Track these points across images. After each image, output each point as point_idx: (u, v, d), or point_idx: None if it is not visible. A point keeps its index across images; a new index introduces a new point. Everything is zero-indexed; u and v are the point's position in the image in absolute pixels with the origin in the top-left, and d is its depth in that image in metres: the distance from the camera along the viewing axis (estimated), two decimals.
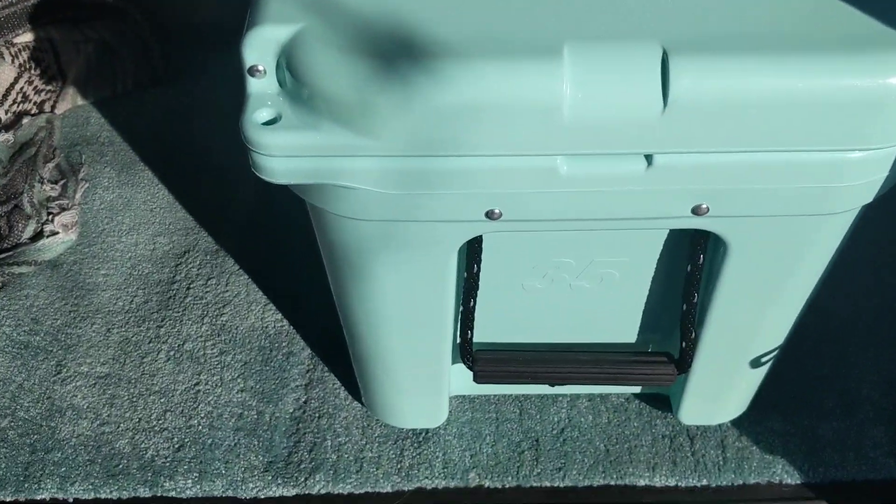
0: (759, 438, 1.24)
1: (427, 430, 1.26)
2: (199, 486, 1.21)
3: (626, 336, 1.13)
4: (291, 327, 1.38)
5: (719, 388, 1.18)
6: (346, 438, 1.25)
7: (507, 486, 1.21)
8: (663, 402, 1.28)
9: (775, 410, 1.27)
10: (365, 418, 1.27)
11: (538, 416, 1.27)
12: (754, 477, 1.21)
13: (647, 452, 1.23)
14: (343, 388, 1.31)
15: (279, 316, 1.40)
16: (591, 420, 1.27)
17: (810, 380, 1.30)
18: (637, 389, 1.27)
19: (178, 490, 1.21)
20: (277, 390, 1.30)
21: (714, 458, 1.22)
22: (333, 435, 1.25)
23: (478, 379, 1.10)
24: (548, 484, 1.21)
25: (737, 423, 1.26)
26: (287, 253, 1.49)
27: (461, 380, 1.22)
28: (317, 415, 1.28)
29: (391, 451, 1.24)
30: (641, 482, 1.21)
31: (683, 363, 1.05)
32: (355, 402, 1.29)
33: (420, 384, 1.17)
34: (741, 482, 1.21)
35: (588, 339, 1.13)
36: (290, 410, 1.28)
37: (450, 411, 1.26)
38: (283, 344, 1.36)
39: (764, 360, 1.15)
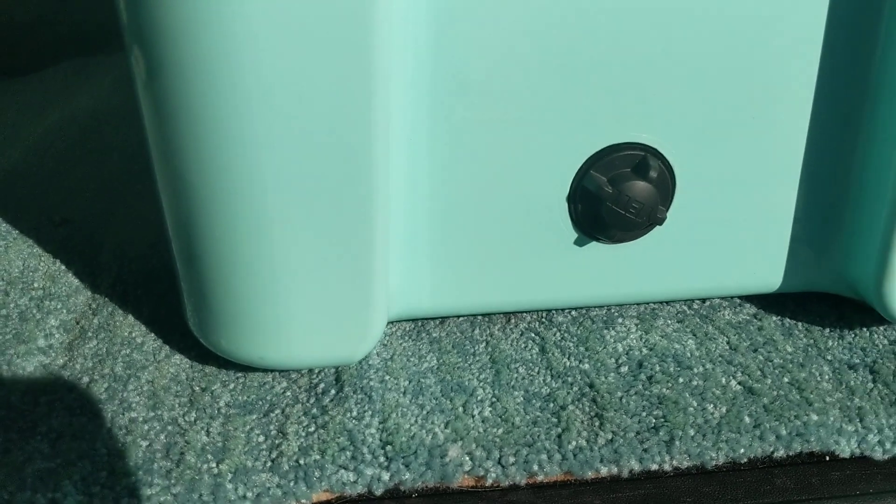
0: None
1: (339, 377, 0.56)
2: None
3: None
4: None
5: None
6: (152, 412, 0.53)
7: (545, 473, 0.50)
8: (808, 308, 0.62)
9: None
10: (201, 371, 0.56)
11: (574, 347, 0.59)
12: None
13: (834, 394, 0.56)
14: (149, 327, 0.61)
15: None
16: (692, 346, 0.59)
17: None
18: (773, 284, 0.61)
19: None
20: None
21: None
22: (121, 403, 0.53)
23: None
24: (613, 470, 0.51)
25: None
26: None
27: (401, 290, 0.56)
28: (85, 378, 0.56)
29: (258, 429, 0.52)
30: (844, 447, 0.52)
31: None
32: (178, 355, 0.59)
33: (334, 269, 0.51)
34: None
35: None
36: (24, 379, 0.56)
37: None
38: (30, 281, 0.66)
39: None
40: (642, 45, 0.50)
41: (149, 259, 0.69)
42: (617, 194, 0.53)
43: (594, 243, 0.57)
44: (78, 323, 0.62)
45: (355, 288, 0.52)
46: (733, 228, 0.58)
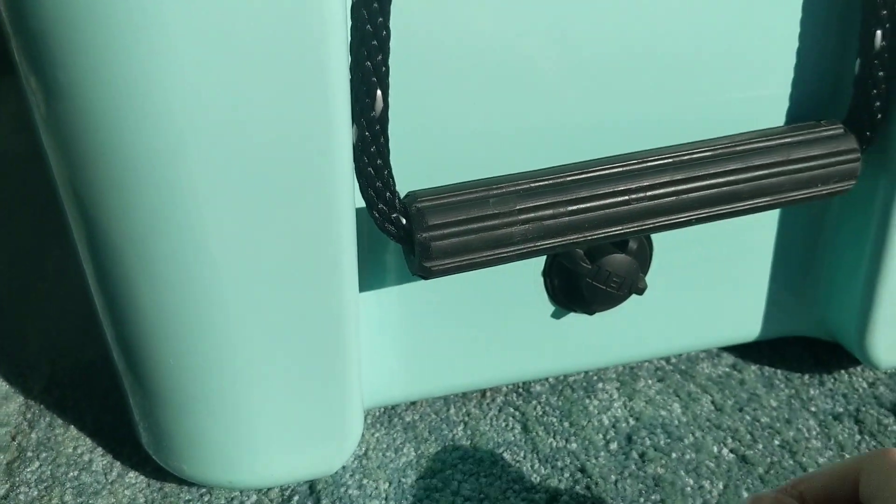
0: None
1: (313, 486, 0.52)
2: None
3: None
4: None
5: None
6: None
7: None
8: (787, 358, 0.61)
9: None
10: (160, 491, 0.52)
11: (558, 423, 0.56)
12: None
13: (825, 452, 0.54)
14: (95, 439, 0.55)
15: None
16: (678, 411, 0.57)
17: None
18: (752, 334, 0.59)
19: None
20: None
21: None
22: None
23: (427, 271, 0.42)
24: None
25: None
26: None
27: (379, 376, 0.52)
28: None
29: None
30: None
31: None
32: (132, 472, 0.53)
33: (311, 379, 0.46)
34: None
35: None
36: None
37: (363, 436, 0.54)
38: None
39: None
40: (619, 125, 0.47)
41: (82, 351, 0.63)
42: (596, 270, 0.50)
43: (572, 313, 0.54)
44: (14, 439, 0.56)
45: (330, 394, 0.48)
46: (711, 282, 0.56)
